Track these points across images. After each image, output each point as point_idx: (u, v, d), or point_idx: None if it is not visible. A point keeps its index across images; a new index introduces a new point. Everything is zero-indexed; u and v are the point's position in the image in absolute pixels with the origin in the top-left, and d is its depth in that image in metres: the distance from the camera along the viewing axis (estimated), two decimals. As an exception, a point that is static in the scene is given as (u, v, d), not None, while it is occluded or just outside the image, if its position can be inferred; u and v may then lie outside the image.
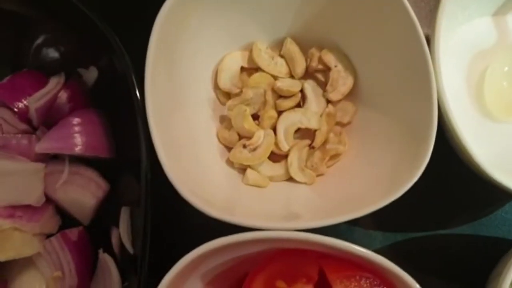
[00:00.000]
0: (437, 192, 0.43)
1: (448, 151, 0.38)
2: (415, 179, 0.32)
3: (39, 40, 0.44)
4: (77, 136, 0.40)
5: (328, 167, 0.41)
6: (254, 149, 0.39)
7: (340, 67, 0.41)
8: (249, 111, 0.40)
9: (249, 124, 0.40)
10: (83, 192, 0.40)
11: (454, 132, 0.34)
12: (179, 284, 0.33)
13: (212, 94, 0.43)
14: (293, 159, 0.40)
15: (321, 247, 0.32)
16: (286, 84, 0.41)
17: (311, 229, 0.32)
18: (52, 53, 0.45)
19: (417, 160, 0.33)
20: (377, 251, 0.41)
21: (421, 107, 0.35)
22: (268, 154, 0.39)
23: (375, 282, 0.32)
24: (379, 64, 0.39)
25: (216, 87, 0.42)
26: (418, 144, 0.33)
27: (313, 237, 0.32)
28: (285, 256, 0.34)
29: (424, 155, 0.32)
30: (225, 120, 0.42)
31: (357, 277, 0.32)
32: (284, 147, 0.40)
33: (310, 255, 0.33)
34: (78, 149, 0.39)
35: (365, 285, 0.32)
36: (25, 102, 0.41)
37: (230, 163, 0.41)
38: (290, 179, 0.40)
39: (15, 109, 0.41)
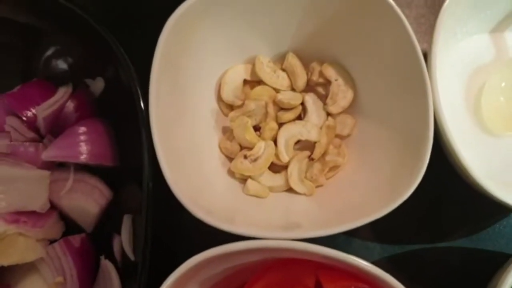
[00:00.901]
0: (435, 206, 0.43)
1: (447, 166, 0.39)
2: (411, 189, 0.33)
3: (49, 52, 0.46)
4: (82, 144, 0.41)
5: (327, 178, 0.41)
6: (255, 160, 0.40)
7: (340, 81, 0.42)
8: (250, 122, 0.41)
9: (251, 135, 0.40)
10: (87, 200, 0.41)
11: (451, 147, 0.35)
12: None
13: (215, 105, 0.44)
14: (293, 170, 0.40)
15: (319, 257, 0.33)
16: (287, 97, 0.42)
17: (310, 239, 0.32)
18: (61, 64, 0.46)
19: (414, 172, 0.33)
20: (375, 263, 0.41)
21: (418, 120, 0.35)
22: (268, 164, 0.40)
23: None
24: (378, 78, 0.40)
25: (219, 99, 0.43)
26: (415, 156, 0.34)
27: (310, 247, 0.32)
28: (283, 266, 0.34)
29: (420, 167, 0.33)
30: (227, 131, 0.43)
31: (347, 284, 0.32)
32: (284, 158, 0.40)
33: (307, 265, 0.34)
34: (83, 158, 0.40)
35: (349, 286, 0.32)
36: (33, 111, 0.43)
37: (231, 173, 0.41)
38: (290, 189, 0.41)
39: (24, 118, 0.42)
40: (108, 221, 0.41)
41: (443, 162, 0.39)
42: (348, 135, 0.42)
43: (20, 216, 0.38)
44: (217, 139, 0.43)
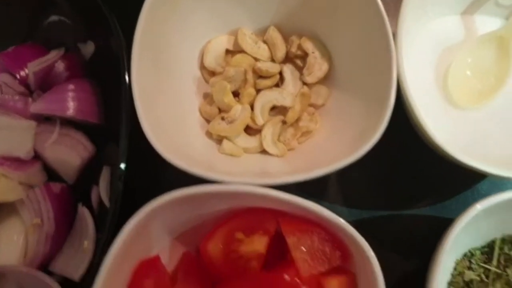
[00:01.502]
0: (404, 174, 0.45)
1: (416, 136, 0.41)
2: (374, 140, 0.34)
3: (44, 18, 0.49)
4: (69, 100, 0.43)
5: (300, 143, 0.43)
6: (231, 122, 0.42)
7: (317, 53, 0.44)
8: (229, 87, 0.43)
9: (229, 99, 0.42)
10: (70, 153, 0.43)
11: (413, 113, 0.37)
12: (143, 233, 0.35)
13: (198, 73, 0.46)
14: (267, 133, 0.42)
15: (279, 203, 0.34)
16: (266, 65, 0.44)
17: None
18: (56, 30, 0.49)
19: (376, 126, 0.35)
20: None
21: (383, 89, 0.37)
22: (244, 127, 0.42)
23: (326, 237, 0.34)
24: (351, 52, 0.43)
25: (202, 66, 0.46)
26: (379, 114, 0.36)
27: (271, 192, 0.34)
28: (246, 214, 0.36)
29: (382, 121, 0.35)
30: (208, 96, 0.45)
31: (309, 231, 0.34)
32: (260, 121, 0.42)
33: (269, 213, 0.35)
34: (69, 112, 0.42)
35: (315, 239, 0.34)
36: (26, 70, 0.45)
37: (209, 134, 0.43)
38: (264, 151, 0.43)
39: (16, 75, 0.45)
40: (89, 174, 0.43)
41: (413, 134, 0.40)
42: (323, 105, 0.44)
43: (5, 160, 0.40)
44: (198, 103, 0.45)
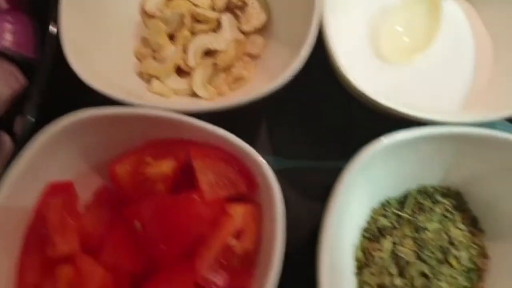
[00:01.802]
0: (330, 125, 0.45)
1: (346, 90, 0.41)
2: (288, 74, 0.35)
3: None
4: (7, 31, 0.43)
5: (232, 90, 0.44)
6: (163, 61, 0.42)
7: (256, 4, 0.45)
8: (165, 28, 0.43)
9: (163, 39, 0.43)
10: (2, 83, 0.43)
11: (332, 56, 0.38)
12: (55, 152, 0.35)
13: (138, 18, 0.47)
14: (198, 75, 0.43)
15: (191, 130, 0.35)
16: (204, 11, 0.44)
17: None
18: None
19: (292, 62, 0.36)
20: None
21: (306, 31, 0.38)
22: (174, 67, 0.43)
23: (234, 165, 0.34)
24: (289, 4, 0.44)
25: (143, 11, 0.46)
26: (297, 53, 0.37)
27: (184, 118, 0.34)
28: (159, 142, 0.36)
29: (298, 56, 0.36)
30: (145, 40, 0.45)
31: (217, 158, 0.34)
32: (191, 62, 0.43)
33: (181, 142, 0.36)
34: (4, 43, 0.43)
35: (222, 165, 0.34)
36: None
37: (141, 75, 0.44)
38: (194, 95, 0.43)
39: (-44, 5, 0.45)
40: (16, 106, 0.43)
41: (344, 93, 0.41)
42: (258, 55, 0.45)
43: None
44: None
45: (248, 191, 0.35)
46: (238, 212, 0.34)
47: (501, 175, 0.38)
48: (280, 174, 0.43)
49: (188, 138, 0.36)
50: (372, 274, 0.38)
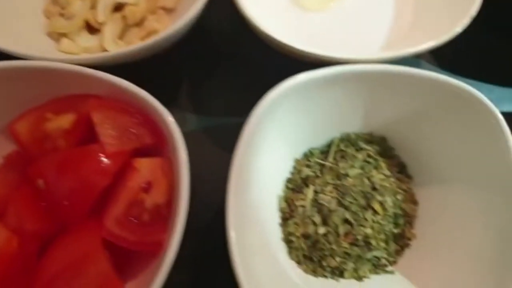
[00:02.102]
0: (255, 83, 0.44)
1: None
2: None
3: None
4: None
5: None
6: (70, 18, 0.40)
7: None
8: (73, -16, 0.41)
9: (70, -6, 0.41)
10: None
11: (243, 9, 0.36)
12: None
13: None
14: (108, 31, 0.40)
15: (93, 83, 0.33)
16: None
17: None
18: None
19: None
20: (190, 133, 0.42)
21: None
22: (82, 22, 0.41)
23: (138, 118, 0.33)
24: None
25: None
26: None
27: (86, 70, 0.32)
28: (61, 98, 0.34)
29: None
30: (55, -1, 0.43)
31: (118, 110, 0.32)
32: (101, 17, 0.41)
33: (85, 97, 0.34)
34: None
35: (125, 118, 0.32)
36: None
37: (50, 34, 0.41)
38: (105, 52, 0.41)
39: None
40: None
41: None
42: (173, 9, 0.43)
43: None
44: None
45: (155, 144, 0.33)
46: (145, 166, 0.32)
47: (422, 117, 0.37)
48: (202, 132, 0.42)
49: (95, 93, 0.34)
50: (296, 224, 0.37)
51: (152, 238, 0.32)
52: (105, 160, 0.31)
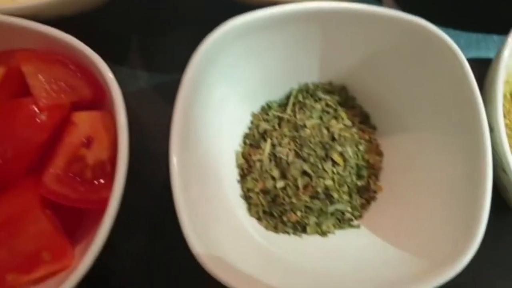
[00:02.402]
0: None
1: None
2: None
3: None
4: None
5: None
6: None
7: None
8: None
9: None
10: None
11: None
12: None
13: None
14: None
15: (28, 35, 0.31)
16: None
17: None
18: None
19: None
20: (141, 91, 0.40)
21: None
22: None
23: (74, 70, 0.31)
24: None
25: None
26: None
27: (17, 20, 0.31)
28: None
29: None
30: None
31: (52, 62, 0.31)
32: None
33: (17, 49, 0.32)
34: None
35: (59, 69, 0.31)
36: None
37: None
38: None
39: None
40: None
41: None
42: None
43: None
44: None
45: (95, 98, 0.31)
46: (84, 120, 0.31)
47: (384, 62, 0.35)
48: (154, 89, 0.40)
49: (29, 47, 0.32)
50: (255, 179, 0.35)
51: (97, 196, 0.31)
52: (39, 114, 0.30)
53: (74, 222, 0.33)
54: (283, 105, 0.37)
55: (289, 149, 0.35)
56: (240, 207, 0.35)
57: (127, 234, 0.36)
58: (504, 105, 0.37)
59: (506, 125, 0.37)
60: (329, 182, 0.34)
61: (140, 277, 0.36)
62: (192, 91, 0.30)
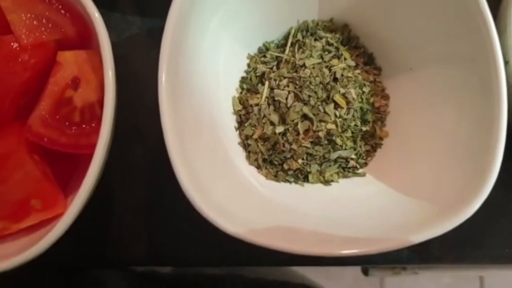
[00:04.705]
0: None
1: None
2: None
3: None
4: None
5: None
6: None
7: None
8: None
9: None
10: None
11: None
12: None
13: None
14: None
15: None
16: None
17: None
18: None
19: None
20: (134, 35, 0.38)
21: None
22: None
23: (57, 6, 0.29)
24: None
25: None
26: None
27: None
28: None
29: None
30: None
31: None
32: None
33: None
34: None
35: (41, 5, 0.28)
36: None
37: None
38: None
39: None
40: None
41: None
42: None
43: None
44: None
45: (81, 36, 0.30)
46: (69, 59, 0.29)
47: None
48: (147, 34, 0.38)
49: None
50: (253, 126, 0.33)
51: (87, 140, 0.29)
52: (21, 52, 0.28)
53: (67, 171, 0.32)
54: (282, 45, 0.35)
55: (289, 92, 0.33)
56: (238, 155, 0.34)
57: (124, 187, 0.35)
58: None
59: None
60: (331, 126, 0.32)
61: (139, 230, 0.35)
62: (179, 34, 0.28)
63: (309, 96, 0.32)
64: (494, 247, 0.36)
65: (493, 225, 0.36)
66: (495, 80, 0.28)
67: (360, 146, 0.34)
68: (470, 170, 0.28)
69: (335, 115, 0.32)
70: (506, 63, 0.29)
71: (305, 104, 0.32)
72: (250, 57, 0.35)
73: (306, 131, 0.32)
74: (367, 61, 0.35)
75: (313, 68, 0.33)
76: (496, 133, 0.27)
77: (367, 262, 0.39)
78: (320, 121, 0.32)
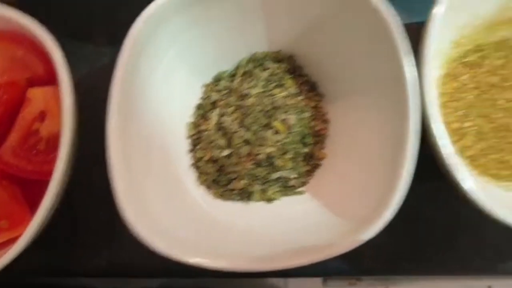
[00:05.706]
0: None
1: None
2: None
3: None
4: None
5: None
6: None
7: None
8: None
9: None
10: None
11: None
12: None
13: None
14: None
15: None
16: None
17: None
18: None
19: None
20: (106, 66, 0.42)
21: None
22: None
23: (24, 44, 0.33)
24: None
25: None
26: None
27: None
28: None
29: None
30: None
31: (4, 40, 0.33)
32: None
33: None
34: None
35: (10, 44, 0.33)
36: None
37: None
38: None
39: None
40: None
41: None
42: None
43: None
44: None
45: (49, 73, 0.34)
46: (38, 95, 0.34)
47: (323, 28, 0.35)
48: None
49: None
50: (203, 149, 0.37)
51: (50, 167, 0.34)
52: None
53: (37, 191, 0.36)
54: (234, 75, 0.39)
55: (234, 118, 0.36)
56: (189, 177, 0.37)
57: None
58: (456, 67, 0.37)
59: (456, 89, 0.37)
60: (270, 150, 0.35)
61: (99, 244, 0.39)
62: (133, 63, 0.32)
63: (252, 123, 0.36)
64: (430, 260, 0.38)
65: (428, 238, 0.38)
66: (405, 102, 0.30)
67: (300, 166, 0.37)
68: (383, 189, 0.30)
69: (275, 140, 0.36)
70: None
71: (247, 130, 0.36)
72: (206, 86, 0.39)
73: (249, 154, 0.36)
74: (311, 88, 0.39)
75: (257, 97, 0.36)
76: (403, 152, 0.29)
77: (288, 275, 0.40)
78: (260, 145, 0.36)
